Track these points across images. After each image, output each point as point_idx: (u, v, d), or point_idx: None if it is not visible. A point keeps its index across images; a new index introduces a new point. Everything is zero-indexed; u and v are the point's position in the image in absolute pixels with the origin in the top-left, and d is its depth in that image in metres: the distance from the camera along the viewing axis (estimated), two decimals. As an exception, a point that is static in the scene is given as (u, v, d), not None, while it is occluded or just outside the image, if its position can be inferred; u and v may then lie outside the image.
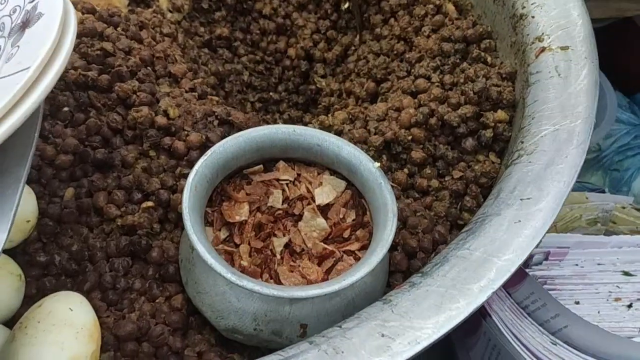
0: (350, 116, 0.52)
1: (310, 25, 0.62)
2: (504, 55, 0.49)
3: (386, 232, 0.33)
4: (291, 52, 0.63)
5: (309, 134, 0.37)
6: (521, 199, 0.33)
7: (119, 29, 0.48)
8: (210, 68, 0.61)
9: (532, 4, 0.46)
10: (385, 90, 0.54)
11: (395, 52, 0.56)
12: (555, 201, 0.32)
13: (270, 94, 0.64)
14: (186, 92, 0.45)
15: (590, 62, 0.40)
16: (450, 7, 0.54)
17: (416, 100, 0.46)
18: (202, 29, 0.62)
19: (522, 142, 0.37)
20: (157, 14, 0.57)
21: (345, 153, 0.37)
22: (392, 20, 0.58)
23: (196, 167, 0.34)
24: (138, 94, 0.42)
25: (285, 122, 0.64)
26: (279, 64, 0.64)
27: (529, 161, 0.35)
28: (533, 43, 0.44)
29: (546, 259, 0.49)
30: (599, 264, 0.48)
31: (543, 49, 0.42)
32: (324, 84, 0.60)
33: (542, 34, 0.43)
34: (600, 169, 0.69)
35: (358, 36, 0.60)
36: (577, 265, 0.49)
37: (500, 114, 0.43)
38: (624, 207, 0.56)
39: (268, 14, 0.63)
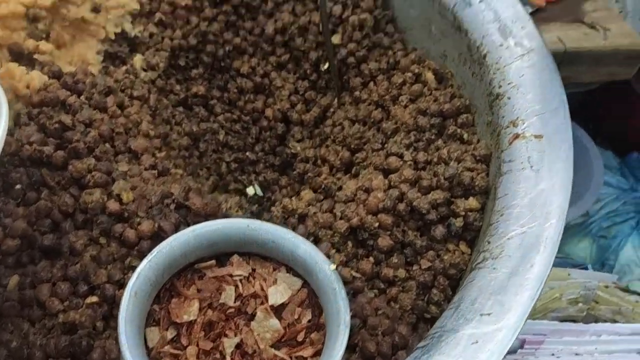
0: (320, 191, 0.50)
1: (288, 85, 0.60)
2: (481, 132, 0.47)
3: (336, 347, 0.30)
4: (269, 112, 0.61)
5: (264, 230, 0.35)
6: (481, 314, 0.31)
7: (82, 97, 0.47)
8: (184, 128, 0.59)
9: (508, 84, 0.44)
10: (360, 160, 0.52)
11: (372, 119, 0.54)
12: (516, 319, 0.30)
13: (247, 154, 0.63)
14: (146, 169, 0.43)
15: (565, 155, 0.38)
16: (429, 76, 0.53)
17: (387, 180, 0.45)
18: (177, 87, 0.61)
19: (489, 243, 0.35)
20: (129, 74, 0.56)
21: (300, 252, 0.35)
22: (371, 84, 0.57)
23: (139, 269, 0.32)
24: (93, 173, 0.40)
25: (260, 184, 0.63)
26: (256, 123, 0.63)
27: (493, 267, 0.33)
28: (508, 127, 0.42)
29: (521, 347, 0.46)
30: (576, 354, 0.46)
31: (517, 136, 0.41)
32: (298, 149, 0.58)
33: (517, 118, 0.42)
34: (588, 235, 0.67)
35: (336, 99, 0.59)
36: (553, 354, 0.46)
37: (472, 202, 0.41)
38: (607, 286, 0.53)
39: (246, 72, 0.61)
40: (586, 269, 0.58)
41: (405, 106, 0.52)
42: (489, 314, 0.30)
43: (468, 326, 0.30)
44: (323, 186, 0.53)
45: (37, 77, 0.49)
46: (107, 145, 0.43)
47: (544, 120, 0.40)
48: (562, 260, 0.61)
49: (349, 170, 0.53)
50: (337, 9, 0.57)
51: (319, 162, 0.57)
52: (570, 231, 0.67)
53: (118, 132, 0.44)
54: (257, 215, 0.61)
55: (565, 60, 0.64)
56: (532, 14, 0.74)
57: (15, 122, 0.46)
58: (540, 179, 0.37)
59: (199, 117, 0.62)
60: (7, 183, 0.41)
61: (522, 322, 0.30)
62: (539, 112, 0.41)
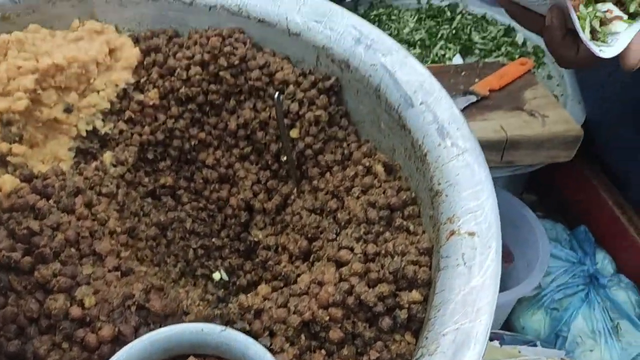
0: (280, 278, 0.53)
1: (251, 176, 0.64)
2: (426, 224, 0.51)
3: None
4: (233, 201, 0.64)
5: (217, 333, 0.37)
6: (416, 413, 0.33)
7: (51, 200, 0.50)
8: (152, 219, 0.62)
9: (445, 182, 0.48)
10: (317, 249, 0.55)
11: (328, 208, 0.58)
12: (447, 418, 0.32)
13: (213, 240, 0.66)
14: (109, 271, 0.45)
15: (495, 252, 0.42)
16: (379, 169, 0.57)
17: (338, 274, 0.48)
18: (146, 179, 0.64)
19: (427, 338, 0.38)
20: (99, 171, 0.59)
21: (251, 353, 0.37)
22: (328, 175, 0.61)
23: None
24: (58, 278, 0.42)
25: (226, 269, 0.65)
26: (221, 211, 0.66)
27: (429, 364, 0.36)
28: (445, 223, 0.46)
29: None
30: None
31: (453, 232, 0.44)
32: (260, 237, 0.61)
33: (453, 215, 0.45)
34: (541, 307, 0.71)
35: (296, 188, 0.63)
36: None
37: (415, 295, 0.44)
38: (555, 363, 0.56)
39: (211, 164, 0.65)
40: (535, 345, 0.61)
41: (358, 197, 0.55)
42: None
43: None
44: (283, 274, 0.56)
45: (9, 181, 0.52)
46: (73, 249, 0.45)
47: (476, 217, 0.44)
48: (514, 338, 0.64)
49: (308, 259, 0.56)
50: (294, 107, 0.61)
51: (279, 249, 0.60)
52: (525, 304, 0.70)
53: (83, 235, 0.47)
54: (223, 300, 0.63)
55: (507, 147, 0.69)
56: (477, 102, 0.80)
57: (-15, 227, 0.49)
58: (472, 275, 0.41)
59: (167, 206, 0.65)
60: (-24, 288, 0.43)
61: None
62: (472, 210, 0.45)
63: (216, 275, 0.64)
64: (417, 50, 0.97)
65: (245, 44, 0.63)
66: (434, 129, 0.51)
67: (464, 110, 0.78)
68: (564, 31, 0.52)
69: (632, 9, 0.47)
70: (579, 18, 0.47)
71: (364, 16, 1.04)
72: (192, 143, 0.65)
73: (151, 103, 0.62)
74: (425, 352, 0.37)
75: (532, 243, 0.69)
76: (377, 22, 1.02)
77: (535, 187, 0.93)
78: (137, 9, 0.65)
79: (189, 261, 0.65)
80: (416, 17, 1.03)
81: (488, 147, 0.69)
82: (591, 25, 0.47)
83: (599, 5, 0.48)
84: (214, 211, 0.66)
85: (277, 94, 0.55)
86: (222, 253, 0.65)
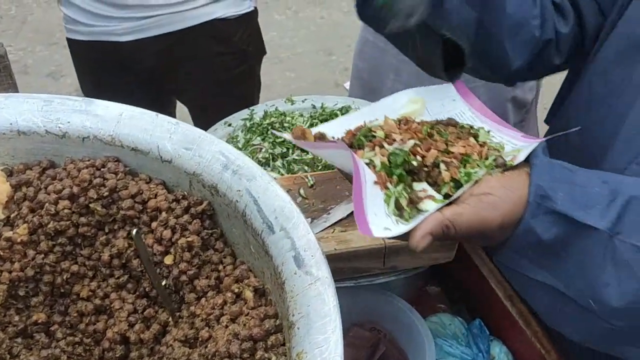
0: None
1: (127, 306, 0.63)
2: (289, 354, 0.50)
3: None
4: (109, 334, 0.62)
5: None
6: None
7: None
8: None
9: (299, 314, 0.48)
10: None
11: (200, 338, 0.56)
12: None
13: (92, 374, 0.63)
14: None
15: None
16: (248, 295, 0.57)
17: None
18: (17, 318, 0.62)
19: None
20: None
21: None
22: (203, 300, 0.60)
23: None
24: None
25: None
26: (99, 344, 0.63)
27: None
28: (295, 359, 0.45)
29: None
30: None
31: (300, 370, 0.44)
32: (132, 377, 0.59)
33: (302, 350, 0.45)
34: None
35: (171, 317, 0.61)
36: None
37: None
38: None
39: (86, 296, 0.63)
40: None
41: (226, 326, 0.55)
42: None
43: None
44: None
45: None
46: None
47: (322, 353, 0.44)
48: None
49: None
50: (167, 233, 0.61)
51: (154, 385, 0.58)
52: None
53: None
54: None
55: (388, 253, 0.70)
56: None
57: None
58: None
59: (40, 344, 0.62)
60: None
61: None
62: (319, 345, 0.45)
63: (91, 418, 0.60)
64: (309, 156, 1.00)
65: (116, 174, 0.63)
66: (291, 256, 0.52)
67: (347, 218, 0.79)
68: None
69: (444, 190, 0.51)
70: (386, 195, 0.50)
71: (258, 124, 1.07)
72: (65, 277, 0.63)
73: (19, 240, 0.61)
74: None
75: (421, 345, 0.69)
76: (271, 129, 1.05)
77: (439, 278, 0.94)
78: (9, 143, 0.65)
79: (65, 403, 0.62)
80: (309, 122, 1.06)
81: (369, 255, 0.71)
82: (397, 202, 0.50)
83: (415, 184, 0.51)
84: (91, 345, 0.63)
85: (135, 230, 0.55)
86: (102, 390, 0.62)
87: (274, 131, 0.97)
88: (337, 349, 0.43)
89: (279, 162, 0.99)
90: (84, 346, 0.63)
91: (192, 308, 0.60)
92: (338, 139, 0.59)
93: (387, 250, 0.70)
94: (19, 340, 0.61)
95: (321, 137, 0.59)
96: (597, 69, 0.67)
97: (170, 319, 0.61)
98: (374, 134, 0.56)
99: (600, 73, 0.67)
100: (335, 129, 0.60)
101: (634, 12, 0.64)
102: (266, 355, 0.50)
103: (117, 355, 0.62)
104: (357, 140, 0.56)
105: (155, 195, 0.63)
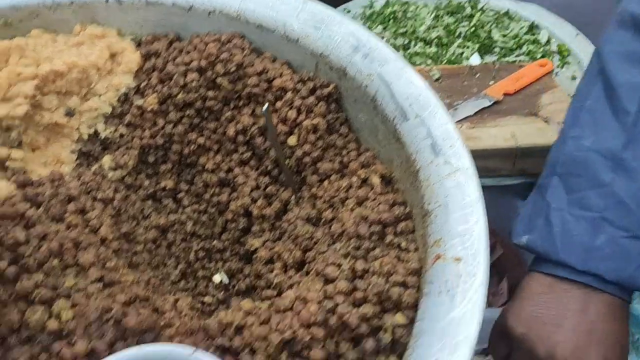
0: (273, 287, 0.53)
1: (250, 182, 0.64)
2: (417, 243, 0.49)
3: None
4: (232, 206, 0.64)
5: (184, 357, 0.37)
6: None
7: (41, 209, 0.50)
8: (152, 222, 0.63)
9: (435, 202, 0.47)
10: (310, 260, 0.55)
11: (323, 219, 0.57)
12: None
13: (214, 242, 0.66)
14: (92, 283, 0.46)
15: (480, 281, 0.40)
16: (375, 181, 0.56)
17: (323, 291, 0.47)
18: (147, 182, 0.65)
19: (404, 369, 0.38)
20: (97, 175, 0.60)
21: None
22: (326, 183, 0.60)
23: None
24: (39, 289, 0.43)
25: (227, 272, 0.65)
26: (222, 214, 0.66)
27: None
28: (432, 246, 0.44)
29: None
30: None
31: (438, 257, 0.43)
32: (256, 245, 0.61)
33: (440, 238, 0.44)
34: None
35: (294, 195, 0.62)
36: None
37: (399, 318, 0.43)
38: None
39: (211, 168, 0.65)
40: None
41: (352, 209, 0.55)
42: None
43: None
44: (275, 284, 0.56)
45: (4, 187, 0.53)
46: (56, 260, 0.46)
47: (464, 242, 0.43)
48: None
49: (302, 269, 0.56)
50: (292, 114, 0.60)
51: (275, 257, 0.59)
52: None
53: (67, 247, 0.47)
54: (223, 302, 0.63)
55: (519, 155, 0.67)
56: (489, 106, 0.77)
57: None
58: (454, 305, 0.39)
59: (168, 209, 0.65)
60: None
61: None
62: (460, 234, 0.43)
63: (216, 278, 0.64)
64: (433, 49, 0.94)
65: (243, 49, 0.62)
66: (428, 145, 0.50)
67: (475, 115, 0.76)
68: None
69: None
70: None
71: (379, 13, 1.01)
72: (192, 148, 0.64)
73: (150, 108, 0.62)
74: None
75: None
76: (392, 19, 0.99)
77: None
78: (137, 14, 0.65)
79: (190, 263, 0.65)
80: (434, 14, 0.99)
81: (498, 155, 0.67)
82: None
83: None
84: (215, 214, 0.66)
85: (265, 106, 0.54)
86: (223, 256, 0.65)
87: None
88: (480, 242, 0.42)
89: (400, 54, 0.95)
90: (208, 215, 0.66)
91: (313, 190, 0.60)
92: None
93: (519, 152, 0.66)
94: (149, 202, 0.64)
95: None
96: None
97: (292, 196, 0.62)
98: None
99: None
100: None
101: None
102: (396, 240, 0.50)
103: (240, 227, 0.64)
104: None
105: (281, 75, 0.62)
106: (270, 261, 0.60)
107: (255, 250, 0.62)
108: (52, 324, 0.41)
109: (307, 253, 0.56)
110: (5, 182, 0.54)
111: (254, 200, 0.64)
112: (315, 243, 0.56)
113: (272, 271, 0.57)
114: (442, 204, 0.46)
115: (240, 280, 0.64)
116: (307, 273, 0.54)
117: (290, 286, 0.54)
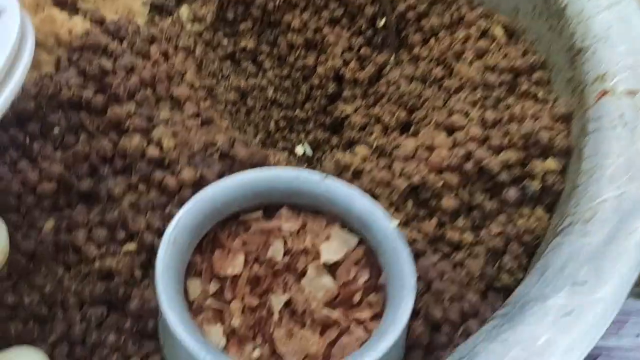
0: (374, 150, 0.46)
1: (342, 42, 0.56)
2: (560, 91, 0.42)
3: (400, 312, 0.27)
4: (320, 70, 0.57)
5: (315, 181, 0.31)
6: (573, 283, 0.26)
7: (124, 43, 0.44)
8: (232, 83, 0.56)
9: (593, 37, 0.39)
10: (419, 120, 0.48)
11: (432, 77, 0.50)
12: (616, 292, 0.25)
13: (296, 112, 0.59)
14: (189, 117, 0.40)
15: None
16: (498, 31, 0.48)
17: (451, 139, 0.40)
18: (225, 41, 0.58)
19: (577, 206, 0.31)
20: (175, 25, 0.53)
21: (357, 206, 0.31)
22: (432, 41, 0.52)
23: (177, 216, 0.29)
24: (133, 118, 0.37)
25: (310, 144, 0.59)
26: (307, 80, 0.59)
27: (583, 232, 0.29)
28: (593, 83, 0.37)
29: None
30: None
31: (605, 92, 0.36)
32: (348, 111, 0.54)
33: (605, 73, 0.37)
34: None
35: (394, 56, 0.55)
36: (638, 335, 0.42)
37: (551, 163, 0.37)
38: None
39: (297, 27, 0.57)
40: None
41: (471, 63, 0.47)
42: (582, 283, 0.26)
43: (558, 295, 0.26)
44: (375, 146, 0.49)
45: (79, 23, 0.47)
46: (149, 91, 0.40)
47: (636, 75, 0.35)
48: None
49: (406, 130, 0.49)
50: (397, -41, 0.52)
51: (372, 121, 0.53)
52: None
53: (160, 78, 0.41)
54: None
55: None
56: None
57: (56, 67, 0.44)
58: (637, 137, 0.32)
59: (247, 72, 0.59)
60: (44, 126, 0.39)
61: (624, 296, 0.26)
62: (632, 66, 0.36)
63: (299, 149, 0.58)
64: None
65: None
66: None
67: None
68: None
69: None
70: None
71: None
72: (277, 2, 0.57)
73: (233, -50, 0.54)
74: (577, 219, 0.30)
75: None
76: None
77: None
78: None
79: (269, 132, 0.59)
80: None
81: None
82: None
83: None
84: (299, 80, 0.59)
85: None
86: (306, 126, 0.59)
87: None
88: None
89: None
90: (291, 80, 0.59)
91: (415, 51, 0.53)
92: None
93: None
94: (228, 63, 0.58)
95: None
96: None
97: (392, 57, 0.54)
98: None
99: None
100: None
101: None
102: (532, 89, 0.42)
103: (328, 93, 0.57)
104: None
105: None
106: (364, 127, 0.53)
107: (346, 117, 0.56)
108: (153, 151, 0.36)
109: (415, 113, 0.49)
110: (80, 18, 0.48)
111: (346, 63, 0.56)
112: (425, 101, 0.49)
113: (370, 134, 0.51)
114: (602, 38, 0.38)
115: (327, 151, 0.58)
116: (415, 134, 0.47)
117: (395, 147, 0.47)
